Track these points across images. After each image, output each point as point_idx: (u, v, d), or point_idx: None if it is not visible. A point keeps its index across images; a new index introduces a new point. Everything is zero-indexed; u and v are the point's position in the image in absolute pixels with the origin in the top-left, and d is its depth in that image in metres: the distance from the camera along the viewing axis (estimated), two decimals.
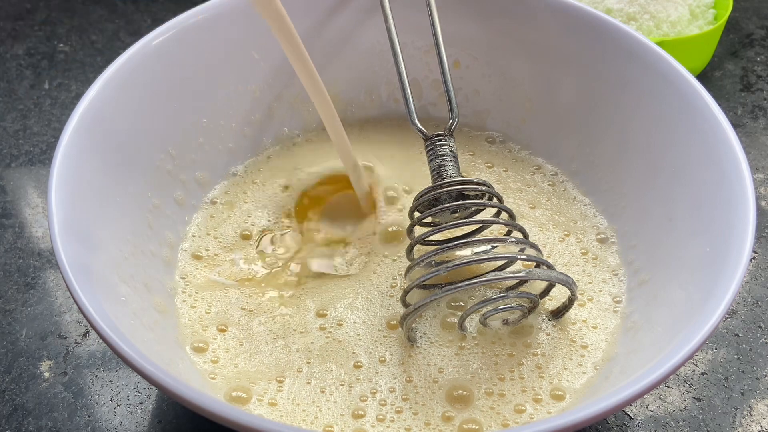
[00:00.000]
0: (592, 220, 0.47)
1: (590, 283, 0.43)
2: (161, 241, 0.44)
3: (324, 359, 0.40)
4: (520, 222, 0.46)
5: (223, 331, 0.41)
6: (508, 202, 0.48)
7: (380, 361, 0.39)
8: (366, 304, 0.42)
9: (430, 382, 0.39)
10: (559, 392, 0.39)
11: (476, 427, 0.37)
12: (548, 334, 0.41)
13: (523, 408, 0.38)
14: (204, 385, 0.38)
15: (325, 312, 0.41)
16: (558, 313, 0.42)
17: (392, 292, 0.42)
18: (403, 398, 0.38)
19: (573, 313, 0.42)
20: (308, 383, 0.39)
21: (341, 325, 0.41)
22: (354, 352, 0.40)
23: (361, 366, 0.39)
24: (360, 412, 0.38)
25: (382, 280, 0.43)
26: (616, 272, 0.44)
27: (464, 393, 0.38)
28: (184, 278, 0.43)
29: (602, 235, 0.46)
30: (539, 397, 0.38)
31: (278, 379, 0.39)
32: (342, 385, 0.39)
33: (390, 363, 0.39)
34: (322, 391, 0.38)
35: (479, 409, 0.38)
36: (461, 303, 0.42)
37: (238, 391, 0.38)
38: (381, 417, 0.38)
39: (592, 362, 0.40)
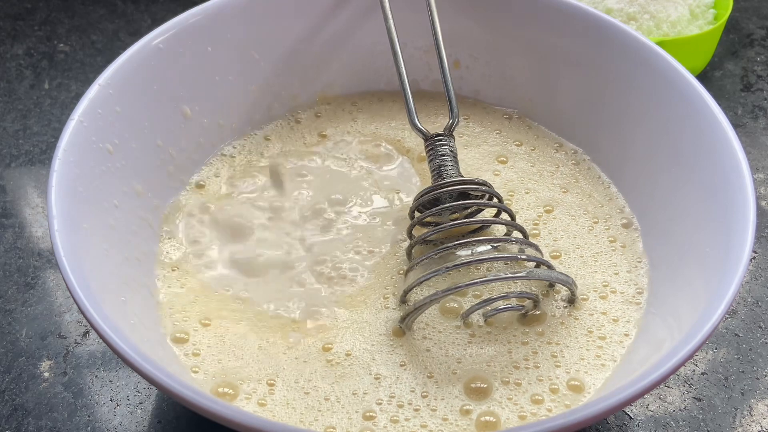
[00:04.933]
0: (616, 202, 0.46)
1: (616, 274, 0.43)
2: (163, 242, 0.44)
3: (337, 378, 0.39)
4: (556, 210, 0.46)
5: (206, 325, 0.40)
6: (543, 188, 0.48)
7: (400, 366, 0.39)
8: (368, 328, 0.41)
9: (450, 374, 0.38)
10: (576, 382, 0.38)
11: (494, 420, 0.37)
12: (563, 323, 0.41)
13: (540, 398, 0.38)
14: (188, 379, 0.38)
15: (330, 346, 0.40)
16: (570, 302, 0.42)
17: (387, 303, 0.42)
18: (423, 395, 0.38)
19: (594, 304, 0.42)
20: (306, 394, 0.38)
21: (350, 354, 0.39)
22: (371, 371, 0.39)
23: (380, 377, 0.39)
24: (371, 414, 0.37)
25: (374, 295, 0.42)
26: (640, 260, 0.44)
27: (482, 385, 0.38)
28: (175, 270, 0.43)
29: (625, 220, 0.46)
30: (556, 387, 0.38)
31: (269, 382, 0.38)
32: (355, 394, 0.38)
33: (410, 364, 0.39)
34: (326, 399, 0.38)
35: (496, 401, 0.38)
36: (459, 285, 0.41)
37: (224, 387, 0.38)
38: (395, 418, 0.37)
39: (611, 355, 0.40)
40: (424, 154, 0.49)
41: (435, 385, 0.38)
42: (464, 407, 0.37)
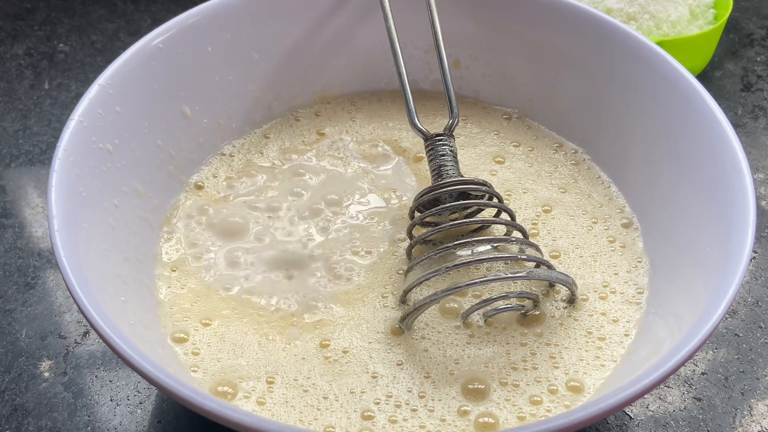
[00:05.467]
0: (616, 202, 0.46)
1: (615, 274, 0.43)
2: (163, 242, 0.44)
3: (334, 376, 0.39)
4: (554, 210, 0.46)
5: (206, 325, 0.40)
6: (541, 188, 0.47)
7: (398, 365, 0.39)
8: (366, 326, 0.40)
9: (447, 374, 0.38)
10: (575, 383, 0.38)
11: (492, 421, 0.37)
12: (562, 324, 0.41)
13: (539, 399, 0.38)
14: (188, 378, 0.38)
15: (327, 342, 0.40)
16: (570, 302, 0.42)
17: (385, 302, 0.42)
18: (420, 395, 0.38)
19: (593, 305, 0.42)
20: (305, 392, 0.38)
21: (347, 352, 0.39)
22: (367, 369, 0.39)
23: (377, 376, 0.38)
24: (370, 413, 0.37)
25: (372, 294, 0.42)
26: (641, 260, 0.44)
27: (480, 386, 0.38)
28: (175, 270, 0.43)
29: (626, 220, 0.46)
30: (554, 388, 0.38)
31: (268, 380, 0.38)
32: (352, 393, 0.38)
33: (407, 364, 0.39)
34: (325, 398, 0.38)
35: (494, 402, 0.38)
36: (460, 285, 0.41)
37: (223, 385, 0.38)
38: (393, 418, 0.37)
39: (611, 355, 0.40)
40: (421, 154, 0.49)
41: (432, 386, 0.38)
42: (462, 408, 0.37)
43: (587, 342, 0.40)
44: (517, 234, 0.43)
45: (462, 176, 0.44)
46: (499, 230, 0.45)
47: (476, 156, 0.49)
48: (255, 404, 0.37)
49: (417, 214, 0.44)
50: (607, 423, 0.43)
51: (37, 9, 0.70)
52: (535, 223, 0.45)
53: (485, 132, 0.51)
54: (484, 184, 0.43)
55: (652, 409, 0.44)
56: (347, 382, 0.38)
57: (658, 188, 0.44)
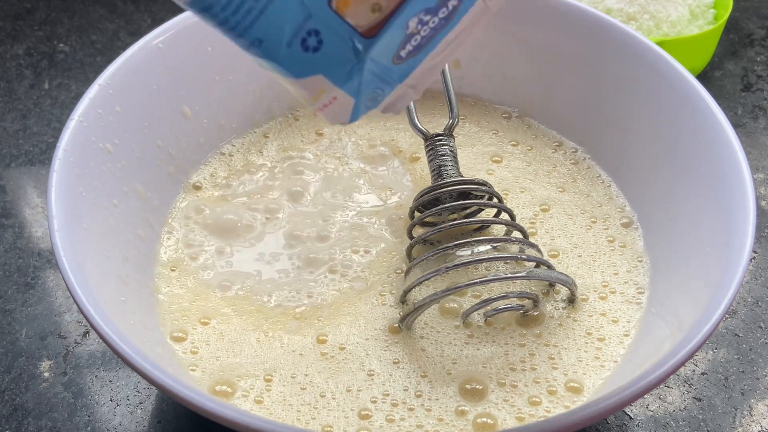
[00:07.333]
0: (615, 201, 0.46)
1: (615, 274, 0.43)
2: (162, 242, 0.44)
3: (331, 373, 0.39)
4: (552, 209, 0.46)
5: (205, 324, 0.41)
6: (539, 188, 0.47)
7: (394, 363, 0.39)
8: (363, 322, 0.41)
9: (444, 374, 0.38)
10: (575, 384, 0.38)
11: (491, 422, 0.37)
12: (561, 324, 0.41)
13: (538, 400, 0.38)
14: (187, 377, 0.38)
15: (324, 338, 0.40)
16: (570, 302, 0.42)
17: (383, 300, 0.42)
18: (416, 395, 0.38)
19: (593, 305, 0.42)
20: (303, 389, 0.38)
21: (343, 348, 0.40)
22: (363, 366, 0.39)
23: (374, 374, 0.39)
24: (367, 412, 0.37)
25: (369, 292, 0.42)
26: (641, 259, 0.44)
27: (478, 386, 0.38)
28: (174, 269, 0.43)
29: (626, 219, 0.46)
30: (554, 388, 0.38)
31: (266, 377, 0.38)
32: (349, 391, 0.38)
33: (403, 362, 0.39)
34: (322, 396, 0.38)
35: (492, 403, 0.37)
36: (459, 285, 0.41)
37: (221, 384, 0.38)
38: (391, 418, 0.37)
39: (610, 355, 0.40)
40: (417, 154, 0.49)
41: (429, 385, 0.38)
42: (459, 408, 0.37)
43: (586, 342, 0.40)
44: (516, 234, 0.43)
45: (462, 176, 0.44)
46: (498, 230, 0.45)
47: (473, 155, 0.49)
48: (253, 403, 0.37)
49: (417, 214, 0.44)
50: (607, 423, 0.43)
51: (37, 9, 0.70)
52: (533, 222, 0.45)
53: (484, 131, 0.51)
54: (484, 184, 0.43)
55: (652, 409, 0.44)
56: (344, 380, 0.38)
57: (658, 188, 0.44)
